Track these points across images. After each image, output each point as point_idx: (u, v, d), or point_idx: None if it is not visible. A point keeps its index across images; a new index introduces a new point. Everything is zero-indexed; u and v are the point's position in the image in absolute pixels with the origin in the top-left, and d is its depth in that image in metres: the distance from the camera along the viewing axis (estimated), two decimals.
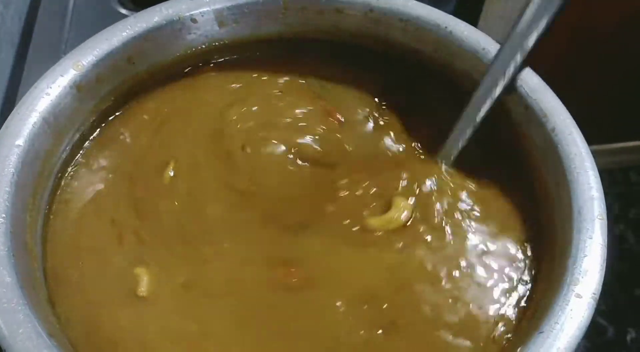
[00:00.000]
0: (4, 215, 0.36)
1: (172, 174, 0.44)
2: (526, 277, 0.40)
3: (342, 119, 0.48)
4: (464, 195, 0.43)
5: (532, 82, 0.43)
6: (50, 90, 0.42)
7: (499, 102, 0.44)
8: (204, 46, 0.50)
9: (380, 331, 0.37)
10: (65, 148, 0.43)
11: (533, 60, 0.45)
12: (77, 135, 0.44)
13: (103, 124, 0.47)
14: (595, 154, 0.40)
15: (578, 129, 0.41)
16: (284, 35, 0.51)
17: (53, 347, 0.31)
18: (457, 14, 0.48)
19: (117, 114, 0.47)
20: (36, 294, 0.35)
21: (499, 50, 0.41)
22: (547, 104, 0.42)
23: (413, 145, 0.46)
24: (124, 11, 0.71)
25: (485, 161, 0.46)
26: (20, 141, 0.39)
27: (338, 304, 0.38)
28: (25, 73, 0.66)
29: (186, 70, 0.50)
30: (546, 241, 0.40)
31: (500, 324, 0.38)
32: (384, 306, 0.38)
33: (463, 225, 0.42)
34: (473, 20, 0.47)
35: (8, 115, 0.66)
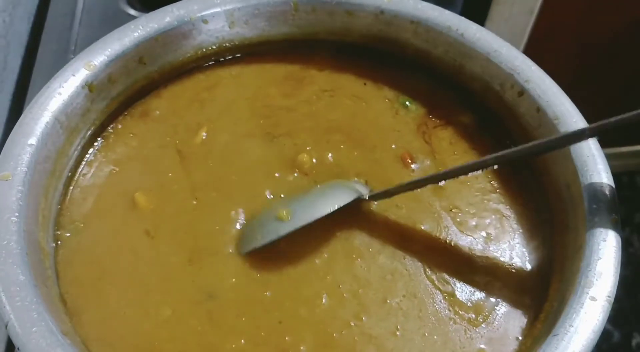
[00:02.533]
0: (17, 214, 0.36)
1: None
2: (539, 279, 0.40)
3: None
4: (477, 198, 0.44)
5: (543, 85, 0.43)
6: (63, 90, 0.42)
7: (508, 108, 0.45)
8: (214, 47, 0.50)
9: None
10: (77, 147, 0.43)
11: (539, 64, 0.45)
12: (89, 135, 0.44)
13: (114, 124, 0.47)
14: None
15: None
16: (293, 36, 0.51)
17: (66, 345, 0.31)
18: (463, 16, 0.48)
19: (127, 113, 0.47)
20: (49, 292, 0.35)
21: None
22: (559, 107, 0.42)
23: None
24: (132, 12, 0.71)
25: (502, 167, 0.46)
26: (33, 140, 0.39)
27: None
28: (35, 73, 0.66)
29: (197, 70, 0.50)
30: (559, 243, 0.40)
31: (513, 327, 0.38)
32: None
33: (474, 225, 0.42)
34: (479, 23, 0.47)
35: (17, 114, 0.66)
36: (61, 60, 0.67)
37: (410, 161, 0.46)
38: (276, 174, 0.44)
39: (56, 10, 0.71)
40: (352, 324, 0.38)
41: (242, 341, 0.37)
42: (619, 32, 0.70)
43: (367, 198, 0.42)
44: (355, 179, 0.44)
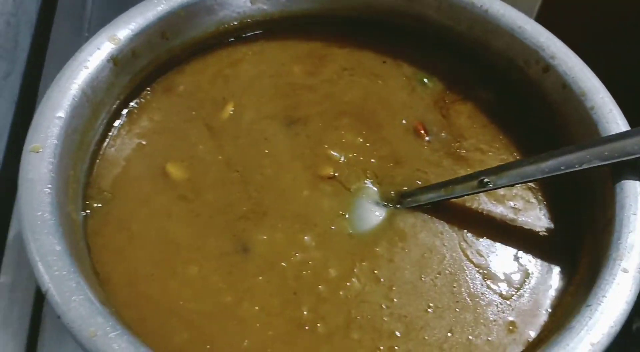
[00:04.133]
0: (49, 185, 0.36)
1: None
2: (568, 252, 0.40)
3: None
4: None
5: (570, 61, 0.43)
6: (89, 64, 0.41)
7: (532, 84, 0.45)
8: (235, 23, 0.50)
9: None
10: (102, 121, 0.43)
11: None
12: (113, 109, 0.44)
13: (138, 99, 0.46)
14: None
15: (617, 107, 0.41)
16: (315, 12, 0.51)
17: (106, 314, 0.31)
18: None
19: (151, 88, 0.47)
20: (82, 263, 0.35)
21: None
22: (585, 82, 0.42)
23: None
24: None
25: (523, 140, 0.46)
26: (61, 113, 0.39)
27: None
28: (49, 53, 0.65)
29: (218, 46, 0.50)
30: (587, 217, 0.40)
31: (542, 299, 0.38)
32: None
33: (502, 195, 0.43)
34: None
35: (29, 92, 0.66)
36: (75, 40, 0.66)
37: (423, 132, 0.46)
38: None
39: None
40: (383, 305, 0.38)
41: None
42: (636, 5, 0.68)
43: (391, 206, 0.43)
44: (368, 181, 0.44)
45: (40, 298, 0.49)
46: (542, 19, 0.54)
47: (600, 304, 0.33)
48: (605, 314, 0.33)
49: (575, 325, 0.32)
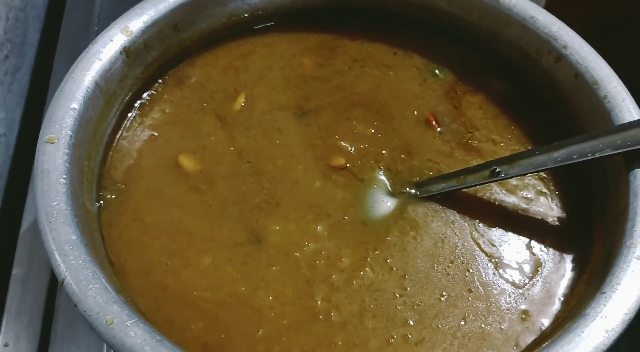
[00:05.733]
0: (64, 176, 0.36)
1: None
2: (580, 241, 0.40)
3: None
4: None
5: (582, 51, 0.43)
6: (102, 55, 0.42)
7: (544, 74, 0.45)
8: (246, 14, 0.50)
9: None
10: (116, 113, 0.43)
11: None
12: (126, 101, 0.44)
13: (150, 91, 0.47)
14: None
15: (630, 96, 0.41)
16: (325, 3, 0.51)
17: (121, 302, 0.32)
18: None
19: (162, 80, 0.47)
20: (97, 253, 0.35)
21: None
22: (598, 72, 0.42)
23: None
24: None
25: (535, 131, 0.46)
26: (75, 104, 0.39)
27: None
28: (59, 47, 0.65)
29: (229, 38, 0.50)
30: (600, 206, 0.40)
31: (555, 288, 0.38)
32: None
33: (515, 185, 0.43)
34: None
35: (39, 86, 0.66)
36: (85, 35, 0.67)
37: (435, 123, 0.46)
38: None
39: None
40: (397, 294, 0.38)
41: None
42: None
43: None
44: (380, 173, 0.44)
45: (53, 289, 0.50)
46: (551, 7, 0.54)
47: (614, 292, 0.33)
48: (619, 301, 0.33)
49: (590, 312, 0.32)
